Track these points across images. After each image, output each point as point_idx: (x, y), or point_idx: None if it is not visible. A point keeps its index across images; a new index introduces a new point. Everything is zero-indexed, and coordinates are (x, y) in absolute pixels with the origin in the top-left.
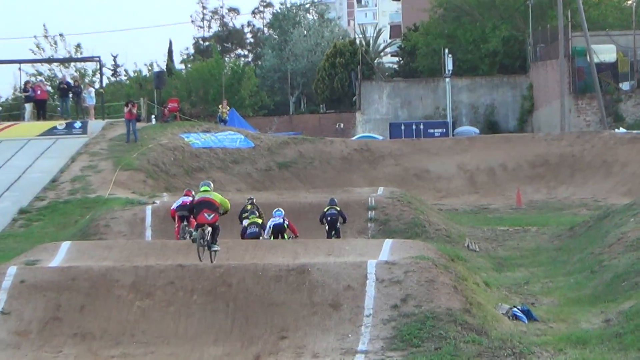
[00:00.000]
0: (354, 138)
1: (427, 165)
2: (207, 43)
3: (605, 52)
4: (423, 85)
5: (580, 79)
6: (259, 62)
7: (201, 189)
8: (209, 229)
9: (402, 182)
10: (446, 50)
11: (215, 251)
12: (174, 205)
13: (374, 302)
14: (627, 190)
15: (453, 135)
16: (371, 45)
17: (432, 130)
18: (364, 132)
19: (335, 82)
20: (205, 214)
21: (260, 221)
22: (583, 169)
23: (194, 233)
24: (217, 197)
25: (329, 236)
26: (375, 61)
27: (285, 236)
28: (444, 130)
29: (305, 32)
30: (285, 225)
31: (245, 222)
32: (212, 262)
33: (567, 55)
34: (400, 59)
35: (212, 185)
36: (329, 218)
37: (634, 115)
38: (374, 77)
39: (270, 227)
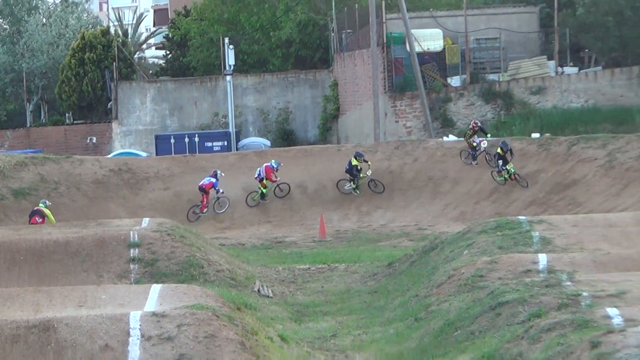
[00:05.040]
0: (110, 155)
1: None
2: None
3: (429, 38)
4: (197, 85)
5: (398, 73)
6: None
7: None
8: None
9: (174, 210)
10: (226, 40)
11: None
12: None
13: None
14: (460, 214)
15: (237, 149)
16: (130, 36)
17: (210, 144)
18: (124, 148)
19: (85, 83)
20: (37, 218)
21: None
22: (404, 189)
23: None
24: (47, 212)
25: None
26: (136, 56)
27: None
28: (226, 143)
29: (44, 19)
30: None
31: None
32: None
33: (381, 43)
34: (168, 52)
35: (47, 202)
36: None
37: (466, 118)
38: (135, 76)
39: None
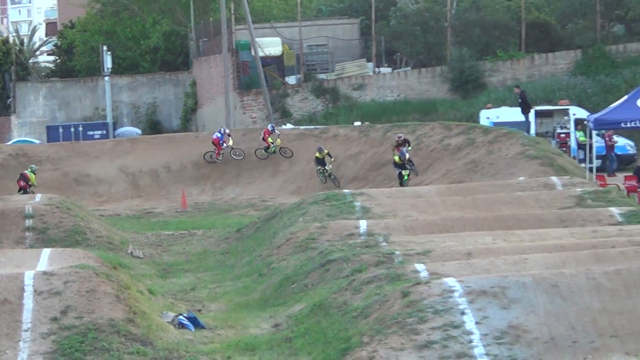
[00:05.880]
0: (9, 143)
1: (87, 169)
2: None
3: (270, 45)
4: (81, 85)
5: (245, 74)
6: None
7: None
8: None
9: (62, 187)
10: (104, 48)
11: None
12: None
13: (32, 316)
14: (296, 188)
15: (114, 137)
16: (26, 44)
17: (91, 132)
18: (20, 137)
19: None
20: (21, 182)
21: None
22: (250, 168)
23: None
24: (32, 176)
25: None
26: (31, 61)
27: None
28: (104, 131)
29: None
30: None
31: None
32: None
33: (231, 49)
34: (57, 57)
35: (34, 167)
36: None
37: (301, 110)
38: (30, 78)
39: None
